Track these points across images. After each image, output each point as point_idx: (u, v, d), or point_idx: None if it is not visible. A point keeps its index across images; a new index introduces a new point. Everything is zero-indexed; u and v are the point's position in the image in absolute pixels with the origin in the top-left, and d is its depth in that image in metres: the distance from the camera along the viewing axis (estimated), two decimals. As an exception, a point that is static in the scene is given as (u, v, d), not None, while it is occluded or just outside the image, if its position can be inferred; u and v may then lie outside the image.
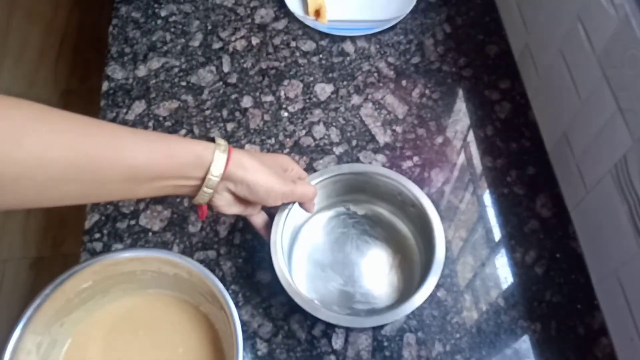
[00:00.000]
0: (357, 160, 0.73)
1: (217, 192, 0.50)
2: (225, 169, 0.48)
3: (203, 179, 0.48)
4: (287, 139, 0.74)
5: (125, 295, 0.58)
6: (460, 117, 0.76)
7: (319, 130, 0.75)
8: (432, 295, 0.62)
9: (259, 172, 0.50)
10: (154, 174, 0.45)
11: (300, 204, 0.59)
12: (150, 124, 0.76)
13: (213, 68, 0.81)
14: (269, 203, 0.53)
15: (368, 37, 0.83)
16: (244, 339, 0.61)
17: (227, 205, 0.53)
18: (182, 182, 0.47)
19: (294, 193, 0.54)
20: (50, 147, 0.37)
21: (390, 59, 0.81)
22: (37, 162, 0.37)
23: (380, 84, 0.79)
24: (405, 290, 0.62)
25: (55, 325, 0.54)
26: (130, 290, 0.58)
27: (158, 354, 0.56)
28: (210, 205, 0.52)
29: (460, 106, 0.77)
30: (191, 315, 0.58)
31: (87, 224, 0.68)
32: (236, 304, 0.63)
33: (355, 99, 0.78)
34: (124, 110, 0.77)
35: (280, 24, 0.85)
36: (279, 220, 0.59)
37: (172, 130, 0.76)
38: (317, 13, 0.84)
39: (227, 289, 0.63)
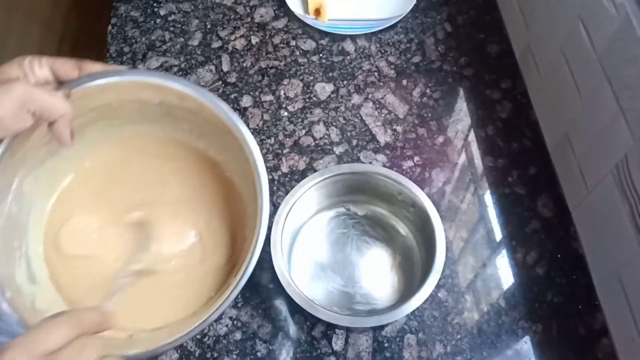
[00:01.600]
0: (357, 160, 0.72)
1: None
2: None
3: None
4: (287, 139, 0.74)
5: (106, 137, 0.47)
6: (461, 116, 0.76)
7: (319, 130, 0.75)
8: (433, 296, 0.62)
9: None
10: None
11: (51, 128, 0.41)
12: (150, 123, 0.76)
13: (212, 67, 0.81)
14: (2, 117, 0.38)
15: (368, 36, 0.83)
16: (243, 340, 0.61)
17: None
18: None
19: (32, 94, 0.37)
20: None
21: (391, 58, 0.81)
22: None
23: (381, 83, 0.79)
24: (406, 291, 0.62)
25: (27, 180, 0.44)
26: (111, 128, 0.47)
27: (156, 199, 0.46)
28: None
29: (461, 106, 0.77)
30: (191, 156, 0.47)
31: (86, 224, 0.68)
32: (235, 305, 0.62)
33: (356, 99, 0.78)
34: (123, 110, 0.77)
35: (280, 23, 0.85)
36: (279, 220, 0.59)
37: (172, 130, 0.75)
38: (317, 12, 0.84)
39: (227, 290, 0.63)
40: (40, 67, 0.40)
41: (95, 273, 0.45)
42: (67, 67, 0.41)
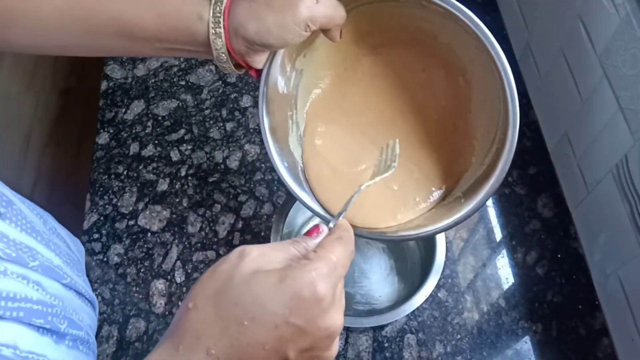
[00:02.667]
0: (357, 160, 0.72)
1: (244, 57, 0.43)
2: (227, 43, 0.41)
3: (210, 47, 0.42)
4: (287, 139, 0.74)
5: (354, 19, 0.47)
6: (461, 116, 0.76)
7: (319, 130, 0.75)
8: (433, 296, 0.62)
9: (260, 17, 0.40)
10: (148, 35, 0.41)
11: (324, 32, 0.44)
12: (149, 123, 0.76)
13: (212, 67, 0.81)
14: (289, 39, 0.41)
15: (368, 37, 0.83)
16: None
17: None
18: (189, 48, 0.42)
19: (314, 16, 0.40)
20: None
21: (391, 59, 0.81)
22: (25, 2, 0.39)
23: (381, 84, 0.79)
24: (406, 291, 0.62)
25: (299, 59, 0.48)
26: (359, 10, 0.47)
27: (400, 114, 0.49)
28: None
29: (461, 106, 0.77)
30: (436, 69, 0.48)
31: (86, 224, 0.68)
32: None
33: (355, 99, 0.77)
34: (123, 110, 0.77)
35: (280, 23, 0.85)
36: (279, 220, 0.59)
37: (171, 129, 0.75)
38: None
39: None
40: None
41: (334, 176, 0.49)
42: None
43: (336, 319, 0.31)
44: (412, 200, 0.47)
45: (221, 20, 0.40)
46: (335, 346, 0.32)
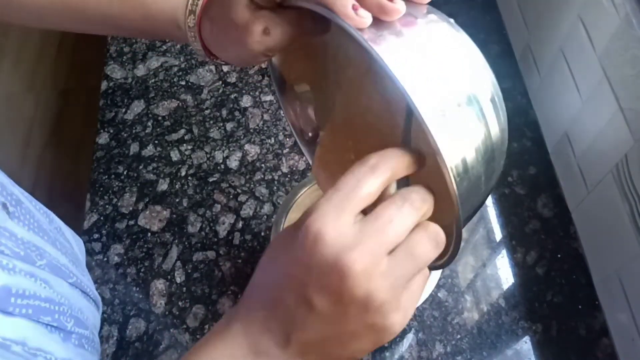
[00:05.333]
0: (357, 160, 0.72)
1: None
2: (210, 55, 0.41)
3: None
4: (287, 139, 0.74)
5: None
6: (461, 116, 0.76)
7: (319, 130, 0.75)
8: (433, 296, 0.62)
9: (222, 46, 0.39)
10: (136, 29, 0.43)
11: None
12: (150, 123, 0.76)
13: (212, 67, 0.81)
14: (259, 63, 0.41)
15: (368, 37, 0.83)
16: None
17: None
18: (173, 37, 0.42)
19: (269, 47, 0.35)
20: None
21: (391, 59, 0.81)
22: None
23: (381, 84, 0.79)
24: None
25: None
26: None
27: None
28: None
29: (461, 106, 0.77)
30: None
31: (86, 224, 0.68)
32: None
33: (355, 99, 0.77)
34: (123, 110, 0.77)
35: (280, 23, 0.85)
36: (279, 220, 0.59)
37: (171, 129, 0.75)
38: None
39: (227, 290, 0.63)
40: None
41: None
42: None
43: (346, 259, 0.25)
44: None
45: (196, 36, 0.39)
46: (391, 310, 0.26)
